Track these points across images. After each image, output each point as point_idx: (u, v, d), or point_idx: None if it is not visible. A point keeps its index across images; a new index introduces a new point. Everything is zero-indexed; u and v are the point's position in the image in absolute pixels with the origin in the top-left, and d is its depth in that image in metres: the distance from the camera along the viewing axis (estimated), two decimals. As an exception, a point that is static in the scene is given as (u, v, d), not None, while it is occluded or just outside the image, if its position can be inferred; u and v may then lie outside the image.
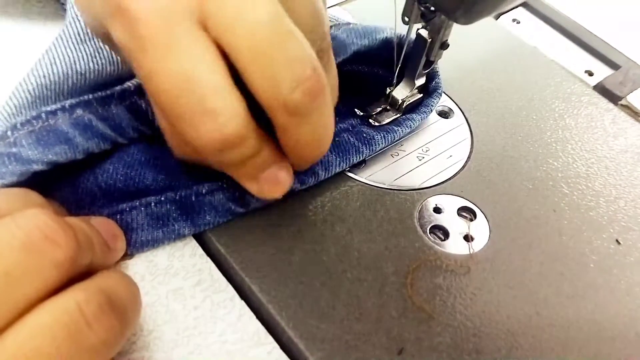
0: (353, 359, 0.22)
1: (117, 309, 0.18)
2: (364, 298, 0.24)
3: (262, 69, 0.18)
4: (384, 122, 0.30)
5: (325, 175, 0.27)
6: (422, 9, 0.26)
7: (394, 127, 0.29)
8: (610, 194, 0.29)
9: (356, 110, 0.30)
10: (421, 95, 0.31)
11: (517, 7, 0.42)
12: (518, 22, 0.42)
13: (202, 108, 0.18)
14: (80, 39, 0.26)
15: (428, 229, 0.27)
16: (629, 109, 0.35)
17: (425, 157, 0.30)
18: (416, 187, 0.29)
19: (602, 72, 0.38)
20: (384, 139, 0.29)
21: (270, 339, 0.23)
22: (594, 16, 0.42)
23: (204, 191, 0.25)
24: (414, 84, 0.30)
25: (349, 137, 0.28)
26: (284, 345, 0.23)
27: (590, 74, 0.38)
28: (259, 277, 0.24)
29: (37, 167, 0.22)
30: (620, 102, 0.36)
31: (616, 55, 0.39)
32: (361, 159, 0.28)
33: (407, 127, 0.29)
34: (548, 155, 0.31)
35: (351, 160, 0.28)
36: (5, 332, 0.15)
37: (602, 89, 0.36)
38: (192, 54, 0.17)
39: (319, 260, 0.25)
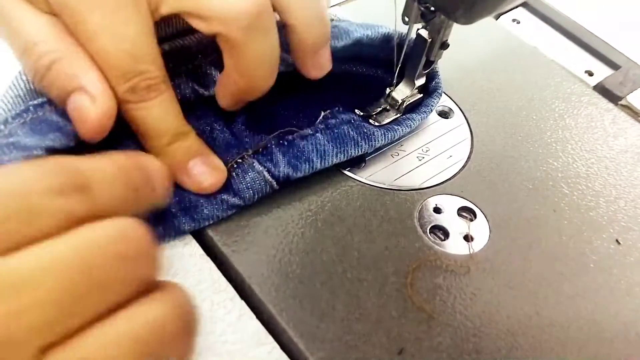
0: (353, 359, 0.22)
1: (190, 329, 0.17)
2: (364, 298, 0.24)
3: None
4: (384, 122, 0.30)
5: (320, 164, 0.27)
6: (422, 9, 0.26)
7: (394, 126, 0.29)
8: (610, 194, 0.29)
9: (356, 110, 0.30)
10: (421, 95, 0.31)
11: (517, 7, 0.42)
12: (518, 22, 0.42)
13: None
14: None
15: (428, 229, 0.27)
16: (629, 109, 0.35)
17: (425, 157, 0.30)
18: (416, 187, 0.29)
19: (602, 72, 0.38)
20: (384, 136, 0.29)
21: (270, 339, 0.23)
22: (594, 16, 0.42)
23: None
24: (414, 84, 0.30)
25: (349, 129, 0.28)
26: (284, 345, 0.23)
27: (590, 74, 0.38)
28: (259, 277, 0.24)
29: (37, 152, 0.22)
30: (620, 102, 0.36)
31: (616, 55, 0.39)
32: (359, 153, 0.28)
33: (407, 126, 0.29)
34: (548, 155, 0.31)
35: (349, 152, 0.28)
36: (77, 338, 0.15)
37: (602, 89, 0.36)
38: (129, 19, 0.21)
39: (319, 260, 0.25)
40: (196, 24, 0.23)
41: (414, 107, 0.31)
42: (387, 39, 0.30)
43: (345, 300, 0.24)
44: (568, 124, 0.33)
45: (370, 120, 0.30)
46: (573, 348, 0.24)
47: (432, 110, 0.31)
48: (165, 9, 0.23)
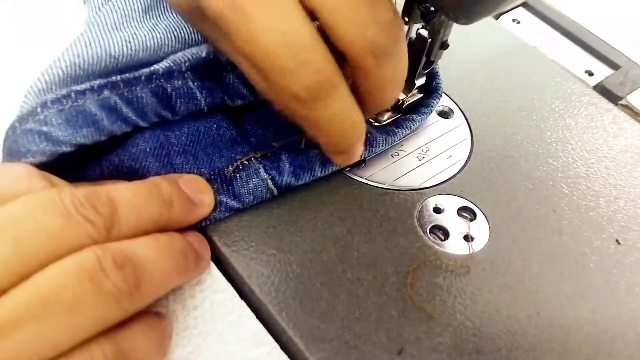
0: (353, 359, 0.22)
1: (134, 266, 0.19)
2: (364, 298, 0.24)
3: (347, 17, 0.20)
4: (384, 122, 0.30)
5: (321, 172, 0.27)
6: (422, 9, 0.26)
7: (394, 128, 0.29)
8: (610, 194, 0.29)
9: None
10: (421, 95, 0.31)
11: (517, 7, 0.42)
12: (518, 22, 0.42)
13: (300, 59, 0.19)
14: (116, 26, 0.26)
15: (428, 229, 0.27)
16: (629, 109, 0.35)
17: (425, 157, 0.30)
18: (416, 187, 0.29)
19: (602, 72, 0.38)
20: (385, 141, 0.29)
21: (270, 339, 0.23)
22: (594, 16, 0.42)
23: None
24: (414, 84, 0.30)
25: None
26: (284, 345, 0.23)
27: (590, 74, 0.38)
28: (259, 277, 0.24)
29: (65, 148, 0.22)
30: (620, 102, 0.36)
31: (616, 55, 0.39)
32: (360, 158, 0.28)
33: (407, 128, 0.29)
34: (548, 155, 0.31)
35: (330, 168, 0.28)
36: (34, 275, 0.17)
37: (602, 89, 0.36)
38: (288, 16, 0.19)
39: (319, 260, 0.25)
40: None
41: (414, 107, 0.31)
42: None
43: (345, 300, 0.24)
44: (568, 124, 0.33)
45: (370, 120, 0.30)
46: (573, 348, 0.24)
47: (432, 111, 0.31)
48: None
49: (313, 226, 0.26)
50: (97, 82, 0.23)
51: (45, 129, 0.22)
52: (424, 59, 0.28)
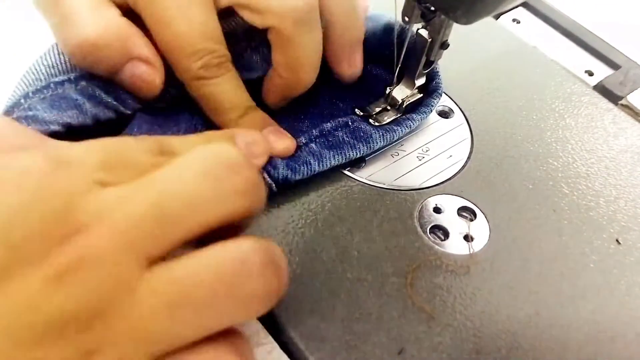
0: (353, 359, 0.22)
1: (279, 267, 0.19)
2: (364, 298, 0.24)
3: None
4: (384, 122, 0.30)
5: (319, 166, 0.27)
6: (422, 9, 0.26)
7: (393, 126, 0.29)
8: (610, 194, 0.29)
9: (356, 110, 0.30)
10: (421, 95, 0.31)
11: (517, 7, 0.42)
12: (518, 22, 0.42)
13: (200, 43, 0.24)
14: None
15: (428, 229, 0.27)
16: (629, 109, 0.35)
17: (425, 157, 0.30)
18: (416, 187, 0.29)
19: (602, 72, 0.38)
20: (382, 137, 0.29)
21: (270, 339, 0.23)
22: (594, 16, 0.42)
23: None
24: (414, 84, 0.30)
25: (344, 136, 0.28)
26: (284, 345, 0.23)
27: (590, 74, 0.38)
28: (259, 277, 0.24)
29: (54, 127, 0.23)
30: (620, 102, 0.36)
31: (616, 55, 0.39)
32: (358, 155, 0.28)
33: (406, 127, 0.29)
34: (548, 155, 0.31)
35: (346, 155, 0.28)
36: (176, 260, 0.16)
37: (602, 89, 0.36)
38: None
39: (319, 260, 0.25)
40: (250, 17, 0.25)
41: (414, 107, 0.31)
42: (388, 29, 0.30)
43: (345, 300, 0.24)
44: (568, 123, 0.33)
45: (370, 120, 0.30)
46: (573, 348, 0.24)
47: (432, 111, 0.31)
48: (224, 1, 0.25)
49: (313, 226, 0.26)
50: (74, 74, 0.24)
51: (30, 113, 0.23)
52: (423, 59, 0.28)
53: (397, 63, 0.29)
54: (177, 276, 0.16)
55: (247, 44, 0.28)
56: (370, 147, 0.28)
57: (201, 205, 0.17)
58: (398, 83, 0.30)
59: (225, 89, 0.26)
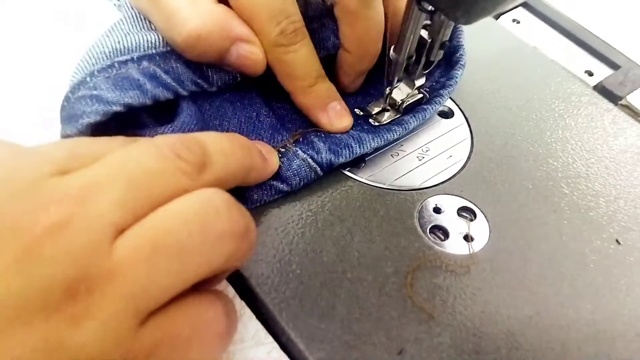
0: (353, 359, 0.22)
1: (242, 209, 0.20)
2: (364, 298, 0.24)
3: None
4: (384, 122, 0.30)
5: (360, 148, 0.28)
6: (422, 9, 0.26)
7: (423, 106, 0.30)
8: (610, 194, 0.29)
9: (356, 110, 0.30)
10: (421, 95, 0.31)
11: (517, 7, 0.42)
12: (518, 22, 0.42)
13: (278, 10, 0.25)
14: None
15: (428, 229, 0.27)
16: (629, 109, 0.35)
17: (425, 157, 0.30)
18: (416, 187, 0.29)
19: (602, 72, 0.38)
20: (414, 118, 0.30)
21: (270, 339, 0.23)
22: (594, 16, 0.42)
23: None
24: (414, 84, 0.30)
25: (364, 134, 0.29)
26: (284, 345, 0.23)
27: (590, 74, 0.38)
28: (259, 277, 0.24)
29: (115, 108, 0.24)
30: (620, 102, 0.36)
31: (616, 55, 0.39)
32: (395, 137, 0.29)
33: (437, 103, 0.30)
34: (548, 155, 0.31)
35: (385, 137, 0.29)
36: (145, 219, 0.17)
37: (602, 89, 0.36)
38: None
39: (319, 260, 0.25)
40: None
41: (413, 107, 0.31)
42: None
43: (345, 300, 0.24)
44: (568, 124, 0.33)
45: (370, 120, 0.30)
46: (573, 348, 0.24)
47: (457, 83, 0.31)
48: None
49: (313, 226, 0.26)
50: (136, 54, 0.25)
51: (95, 92, 0.24)
52: (423, 59, 0.28)
53: (396, 63, 0.29)
54: (149, 227, 0.17)
55: (316, 21, 0.29)
56: (405, 128, 0.29)
57: (159, 175, 0.19)
58: (398, 83, 0.30)
59: (301, 55, 0.27)
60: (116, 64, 0.25)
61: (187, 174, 0.19)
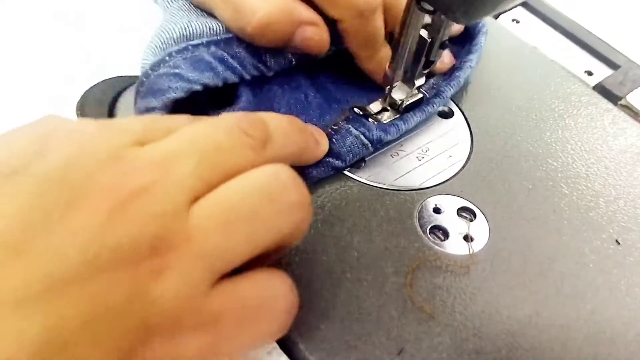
0: (353, 359, 0.22)
1: (302, 183, 0.21)
2: (364, 298, 0.24)
3: None
4: (384, 122, 0.30)
5: (405, 125, 0.30)
6: (422, 9, 0.26)
7: (444, 85, 0.31)
8: (610, 194, 0.29)
9: (355, 109, 0.30)
10: (421, 95, 0.31)
11: (517, 6, 0.42)
12: (518, 22, 0.42)
13: None
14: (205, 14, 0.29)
15: (428, 229, 0.27)
16: (628, 109, 0.35)
17: (425, 157, 0.30)
18: (416, 187, 0.29)
19: (602, 72, 0.38)
20: (450, 87, 0.31)
21: (270, 339, 0.23)
22: (594, 16, 0.42)
23: None
24: (414, 84, 0.30)
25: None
26: (284, 345, 0.23)
27: (590, 74, 0.38)
28: (259, 277, 0.24)
29: (195, 86, 0.25)
30: (620, 102, 0.36)
31: (616, 55, 0.39)
32: (436, 110, 0.31)
33: (457, 82, 0.32)
34: (548, 155, 0.31)
35: (427, 112, 0.30)
36: (217, 189, 0.19)
37: (601, 89, 0.36)
38: None
39: (319, 260, 0.25)
40: (322, 5, 0.28)
41: (413, 106, 0.31)
42: None
43: (345, 300, 0.24)
44: (568, 124, 0.33)
45: (370, 120, 0.30)
46: (573, 348, 0.24)
47: (481, 48, 0.33)
48: None
49: (313, 226, 0.26)
50: (205, 39, 0.27)
51: (177, 71, 0.25)
52: (423, 59, 0.28)
53: (396, 63, 0.29)
54: (222, 196, 0.18)
55: None
56: (443, 103, 0.31)
57: (229, 149, 0.20)
58: (397, 83, 0.30)
59: (379, 23, 0.29)
60: (190, 47, 0.26)
61: (253, 148, 0.21)
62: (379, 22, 0.29)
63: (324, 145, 0.27)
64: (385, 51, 0.30)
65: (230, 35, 0.27)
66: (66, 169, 0.17)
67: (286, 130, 0.23)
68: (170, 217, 0.17)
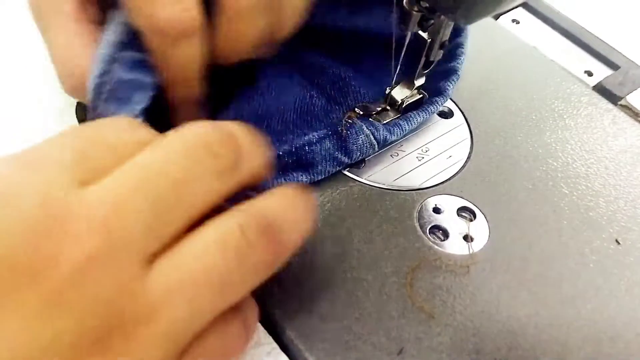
0: (353, 359, 0.22)
1: (275, 233, 0.18)
2: (364, 298, 0.24)
3: None
4: (384, 122, 0.30)
5: (408, 125, 0.30)
6: (422, 9, 0.26)
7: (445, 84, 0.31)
8: (610, 194, 0.29)
9: (356, 109, 0.30)
10: (421, 95, 0.31)
11: (517, 7, 0.42)
12: (518, 22, 0.42)
13: None
14: None
15: (428, 229, 0.27)
16: (628, 109, 0.35)
17: (425, 157, 0.30)
18: (416, 187, 0.29)
19: (601, 72, 0.38)
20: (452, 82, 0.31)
21: (270, 339, 0.23)
22: (594, 16, 0.42)
23: (314, 140, 0.27)
24: (414, 84, 0.30)
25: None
26: (284, 345, 0.23)
27: (590, 74, 0.38)
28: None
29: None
30: (619, 103, 0.36)
31: (616, 55, 0.39)
32: (438, 110, 0.31)
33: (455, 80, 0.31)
34: (548, 155, 0.31)
35: (430, 111, 0.30)
36: (177, 248, 0.16)
37: (601, 89, 0.36)
38: None
39: (319, 260, 0.25)
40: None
41: (413, 107, 0.31)
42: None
43: (345, 300, 0.24)
44: (568, 124, 0.33)
45: (370, 119, 0.30)
46: (573, 348, 0.24)
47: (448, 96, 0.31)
48: None
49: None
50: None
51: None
52: (423, 59, 0.28)
53: (396, 63, 0.29)
54: (184, 261, 0.16)
55: None
56: (444, 101, 0.31)
57: (189, 186, 0.16)
58: (398, 83, 0.30)
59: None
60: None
61: (220, 175, 0.17)
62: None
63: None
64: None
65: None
66: None
67: (254, 142, 0.20)
68: (122, 297, 0.14)
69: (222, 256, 0.16)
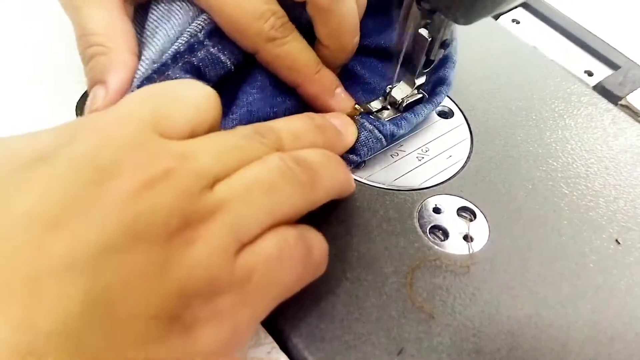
0: (353, 359, 0.22)
1: (308, 166, 0.22)
2: (364, 298, 0.24)
3: None
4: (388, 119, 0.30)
5: (415, 118, 0.30)
6: (422, 9, 0.26)
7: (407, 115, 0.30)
8: (610, 194, 0.29)
9: (356, 107, 0.30)
10: (421, 95, 0.31)
11: (517, 7, 0.42)
12: (518, 22, 0.42)
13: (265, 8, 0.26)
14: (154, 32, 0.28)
15: (428, 229, 0.27)
16: (628, 109, 0.35)
17: (425, 157, 0.30)
18: (416, 187, 0.29)
19: (601, 72, 0.38)
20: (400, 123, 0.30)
21: (270, 339, 0.23)
22: (594, 16, 0.42)
23: None
24: (414, 84, 0.30)
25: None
26: (284, 345, 0.23)
27: (590, 74, 0.38)
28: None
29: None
30: (620, 102, 0.36)
31: (616, 55, 0.39)
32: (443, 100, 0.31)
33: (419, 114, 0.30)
34: (548, 155, 0.31)
35: (436, 102, 0.30)
36: (232, 176, 0.20)
37: (601, 89, 0.36)
38: None
39: (318, 260, 0.25)
40: None
41: (413, 106, 0.31)
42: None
43: (345, 300, 0.24)
44: (568, 124, 0.33)
45: (371, 117, 0.30)
46: (573, 348, 0.24)
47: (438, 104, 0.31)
48: None
49: (313, 226, 0.26)
50: (137, 82, 0.26)
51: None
52: (423, 59, 0.28)
53: (397, 62, 0.29)
54: (241, 176, 0.20)
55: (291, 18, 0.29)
56: (448, 90, 0.31)
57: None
58: (398, 82, 0.30)
59: (297, 46, 0.27)
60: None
61: (267, 149, 0.22)
62: (296, 43, 0.27)
63: (350, 135, 0.28)
64: (326, 73, 0.29)
65: (162, 60, 0.27)
66: (94, 153, 0.18)
67: (297, 130, 0.24)
68: (197, 195, 0.18)
69: (267, 171, 0.21)
